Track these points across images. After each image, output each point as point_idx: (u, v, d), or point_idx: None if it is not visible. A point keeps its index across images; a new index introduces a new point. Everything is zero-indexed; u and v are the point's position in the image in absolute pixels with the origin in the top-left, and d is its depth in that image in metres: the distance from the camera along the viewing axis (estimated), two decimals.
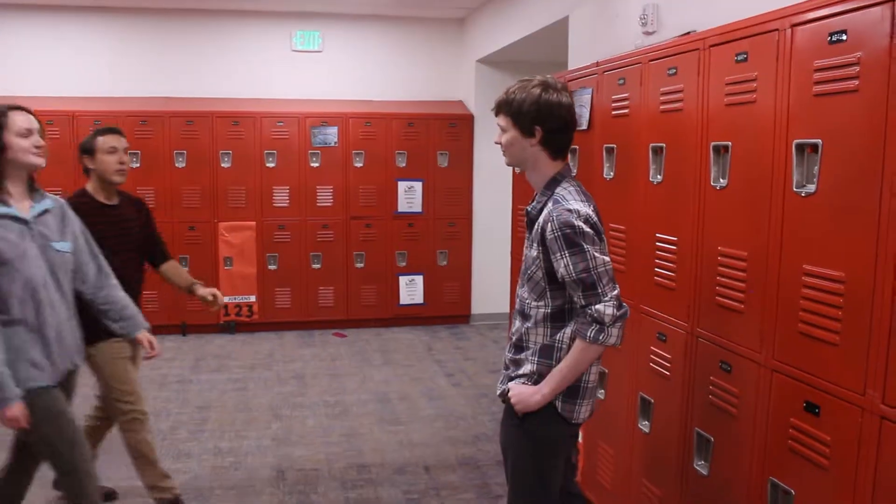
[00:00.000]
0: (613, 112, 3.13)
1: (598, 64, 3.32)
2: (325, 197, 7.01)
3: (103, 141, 3.36)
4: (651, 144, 2.82)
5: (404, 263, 7.25)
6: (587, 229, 2.13)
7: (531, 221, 2.29)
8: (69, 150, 6.49)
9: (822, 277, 1.95)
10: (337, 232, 7.07)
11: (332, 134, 6.97)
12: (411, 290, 7.26)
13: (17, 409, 2.46)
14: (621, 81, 3.05)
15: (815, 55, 1.96)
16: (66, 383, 2.74)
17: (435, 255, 7.32)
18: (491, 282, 7.17)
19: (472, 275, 7.45)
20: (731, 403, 2.35)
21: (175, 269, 3.63)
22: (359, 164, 7.05)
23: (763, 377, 2.19)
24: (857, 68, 1.82)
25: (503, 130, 2.27)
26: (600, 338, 2.13)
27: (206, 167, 6.77)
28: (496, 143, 2.32)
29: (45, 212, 2.63)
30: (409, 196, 7.18)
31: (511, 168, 4.67)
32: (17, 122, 2.53)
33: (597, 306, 2.13)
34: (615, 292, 2.16)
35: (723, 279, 2.40)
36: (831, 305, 1.92)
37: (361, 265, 7.09)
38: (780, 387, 2.12)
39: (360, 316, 7.19)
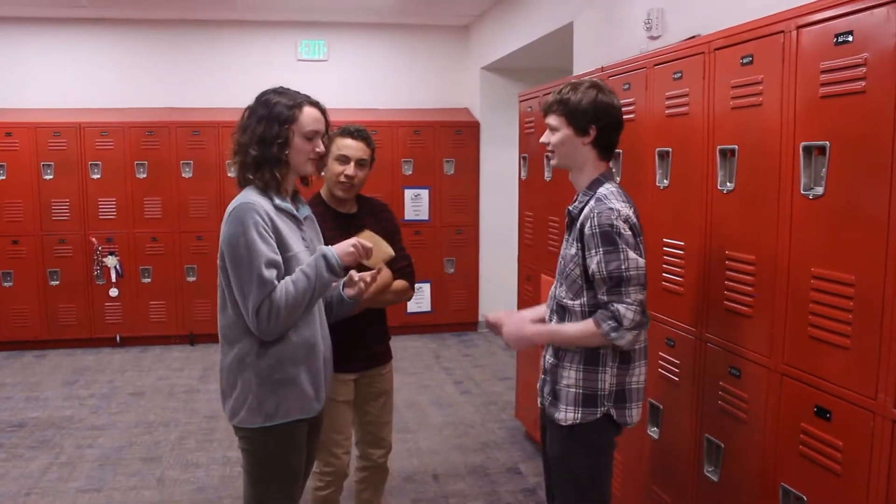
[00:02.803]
0: None
1: (602, 69, 3.31)
2: None
3: (337, 144, 2.84)
4: (657, 149, 2.81)
5: None
6: (626, 230, 2.13)
7: (572, 221, 2.30)
8: (76, 161, 6.56)
9: (831, 280, 1.93)
10: None
11: None
12: (419, 297, 7.24)
13: (344, 246, 2.23)
14: (626, 86, 3.05)
15: (821, 57, 1.95)
16: (314, 427, 2.37)
17: (442, 263, 7.31)
18: (498, 289, 7.13)
19: (480, 282, 7.43)
20: (741, 409, 2.33)
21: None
22: None
23: (773, 382, 2.17)
24: (863, 69, 1.81)
25: (553, 130, 2.28)
26: (613, 335, 2.12)
27: (212, 177, 6.77)
28: (542, 142, 2.33)
29: (307, 217, 2.39)
30: (416, 204, 7.18)
31: (517, 174, 4.71)
32: (305, 123, 2.24)
33: (618, 306, 2.12)
34: (640, 297, 2.14)
35: (731, 283, 2.38)
36: (841, 309, 1.90)
37: None
38: (791, 392, 2.10)
39: None
